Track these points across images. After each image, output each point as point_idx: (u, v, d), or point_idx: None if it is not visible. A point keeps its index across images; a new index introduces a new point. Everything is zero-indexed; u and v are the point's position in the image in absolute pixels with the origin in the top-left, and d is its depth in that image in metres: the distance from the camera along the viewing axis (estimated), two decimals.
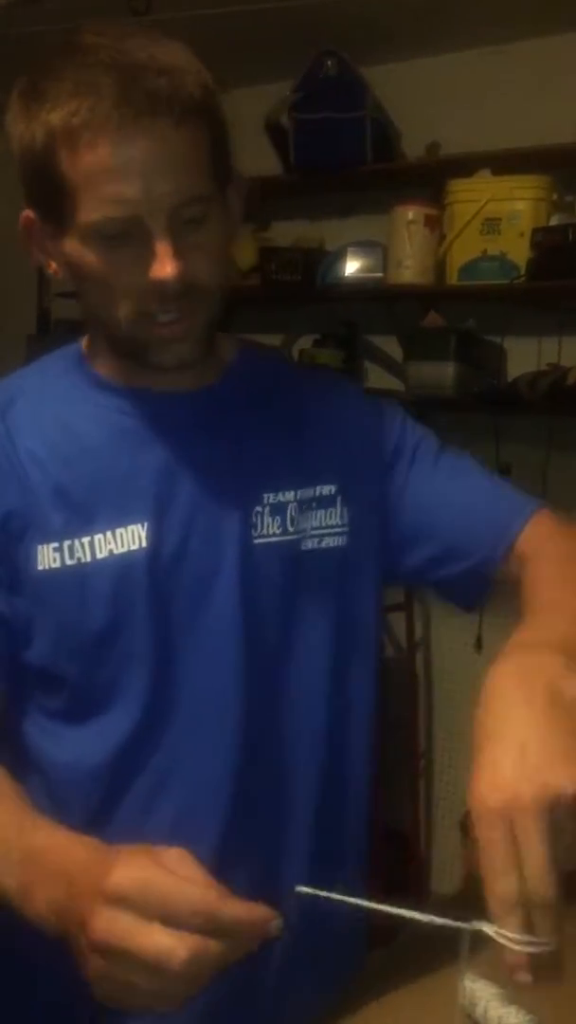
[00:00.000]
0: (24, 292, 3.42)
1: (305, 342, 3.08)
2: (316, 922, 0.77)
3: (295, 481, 1.01)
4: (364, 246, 2.88)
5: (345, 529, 1.03)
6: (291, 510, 1.00)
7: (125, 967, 0.65)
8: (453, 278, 2.67)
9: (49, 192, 0.88)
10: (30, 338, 3.42)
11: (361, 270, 2.88)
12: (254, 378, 1.06)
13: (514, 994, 0.90)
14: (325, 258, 2.95)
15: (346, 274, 2.89)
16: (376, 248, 2.85)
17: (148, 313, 0.90)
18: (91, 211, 0.86)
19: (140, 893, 0.65)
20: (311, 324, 3.07)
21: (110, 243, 0.87)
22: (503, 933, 0.63)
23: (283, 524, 0.99)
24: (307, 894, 0.68)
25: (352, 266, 2.89)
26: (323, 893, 0.69)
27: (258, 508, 0.98)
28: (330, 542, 1.02)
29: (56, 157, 0.86)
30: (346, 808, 1.06)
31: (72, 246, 0.90)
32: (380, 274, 2.82)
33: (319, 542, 1.02)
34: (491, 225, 2.57)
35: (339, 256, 2.91)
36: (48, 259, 0.94)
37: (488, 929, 0.64)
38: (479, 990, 0.91)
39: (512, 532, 1.05)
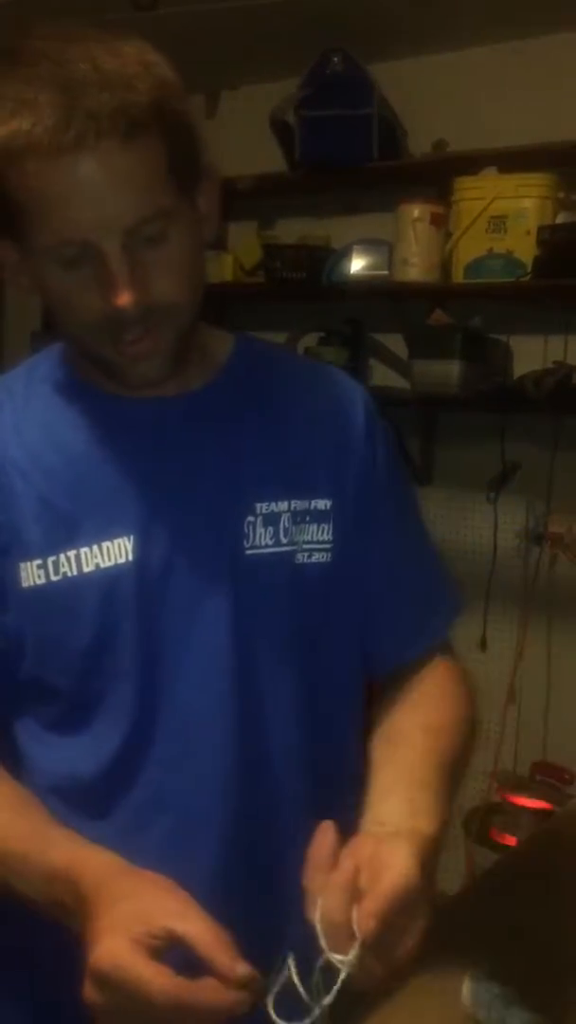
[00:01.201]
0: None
1: (310, 340, 3.07)
2: None
3: (290, 490, 0.97)
4: (370, 244, 2.87)
5: (330, 546, 0.99)
6: (284, 520, 0.96)
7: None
8: (459, 276, 2.66)
9: (2, 211, 0.84)
10: (34, 334, 3.41)
11: (367, 268, 2.87)
12: (250, 378, 1.02)
13: (518, 995, 0.90)
14: (331, 256, 2.94)
15: (352, 272, 2.88)
16: (382, 246, 2.84)
17: (112, 335, 0.87)
18: (44, 235, 0.83)
19: (114, 980, 0.72)
20: (316, 322, 3.06)
21: (67, 266, 0.84)
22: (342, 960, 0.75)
23: (276, 535, 0.96)
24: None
25: (358, 264, 2.88)
26: None
27: (250, 518, 0.95)
28: (318, 558, 0.99)
29: (3, 178, 0.81)
30: (345, 818, 1.06)
31: (33, 265, 0.86)
32: (386, 272, 2.81)
33: (308, 556, 0.98)
34: (497, 223, 2.56)
35: (345, 254, 2.90)
36: (12, 274, 0.91)
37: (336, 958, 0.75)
38: (483, 991, 0.91)
39: (411, 653, 1.07)
